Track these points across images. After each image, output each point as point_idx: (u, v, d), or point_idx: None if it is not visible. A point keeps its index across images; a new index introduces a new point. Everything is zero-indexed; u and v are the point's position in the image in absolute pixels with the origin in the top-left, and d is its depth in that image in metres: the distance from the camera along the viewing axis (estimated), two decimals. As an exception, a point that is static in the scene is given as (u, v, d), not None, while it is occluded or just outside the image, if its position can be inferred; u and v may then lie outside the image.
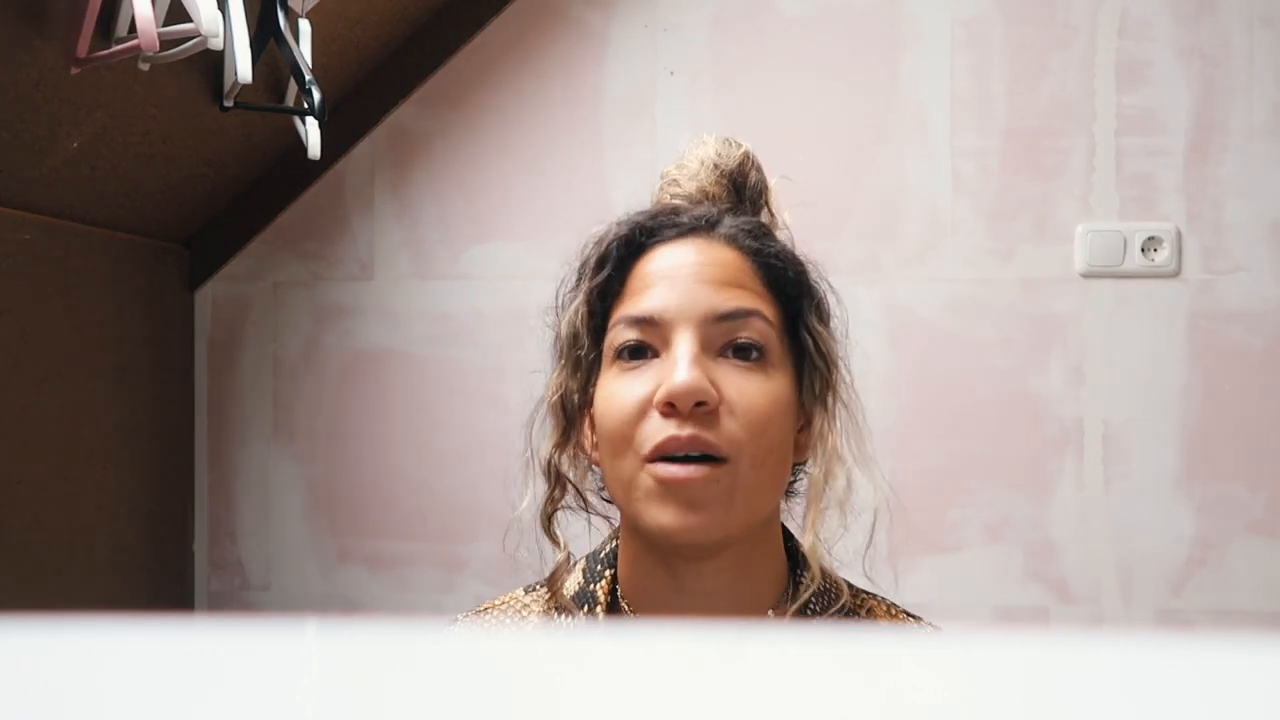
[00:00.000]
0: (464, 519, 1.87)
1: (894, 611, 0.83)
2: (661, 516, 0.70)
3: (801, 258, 0.82)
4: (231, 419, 1.92)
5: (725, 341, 0.74)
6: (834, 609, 0.78)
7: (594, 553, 0.83)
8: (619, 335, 0.75)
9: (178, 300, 1.89)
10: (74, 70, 1.30)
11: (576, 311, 0.78)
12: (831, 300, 0.82)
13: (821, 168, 1.83)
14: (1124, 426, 1.80)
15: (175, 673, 0.24)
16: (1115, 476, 1.80)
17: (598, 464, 0.79)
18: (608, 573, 0.80)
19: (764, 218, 0.84)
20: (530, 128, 1.88)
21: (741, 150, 0.84)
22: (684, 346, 0.72)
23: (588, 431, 0.79)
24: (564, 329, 0.79)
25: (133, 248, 1.75)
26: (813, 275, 0.81)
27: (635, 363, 0.74)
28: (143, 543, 1.79)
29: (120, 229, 1.71)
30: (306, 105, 1.54)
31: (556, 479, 0.78)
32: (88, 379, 1.64)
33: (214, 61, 1.56)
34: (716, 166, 0.83)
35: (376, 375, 1.90)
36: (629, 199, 0.87)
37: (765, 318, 0.75)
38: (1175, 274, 1.79)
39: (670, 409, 0.71)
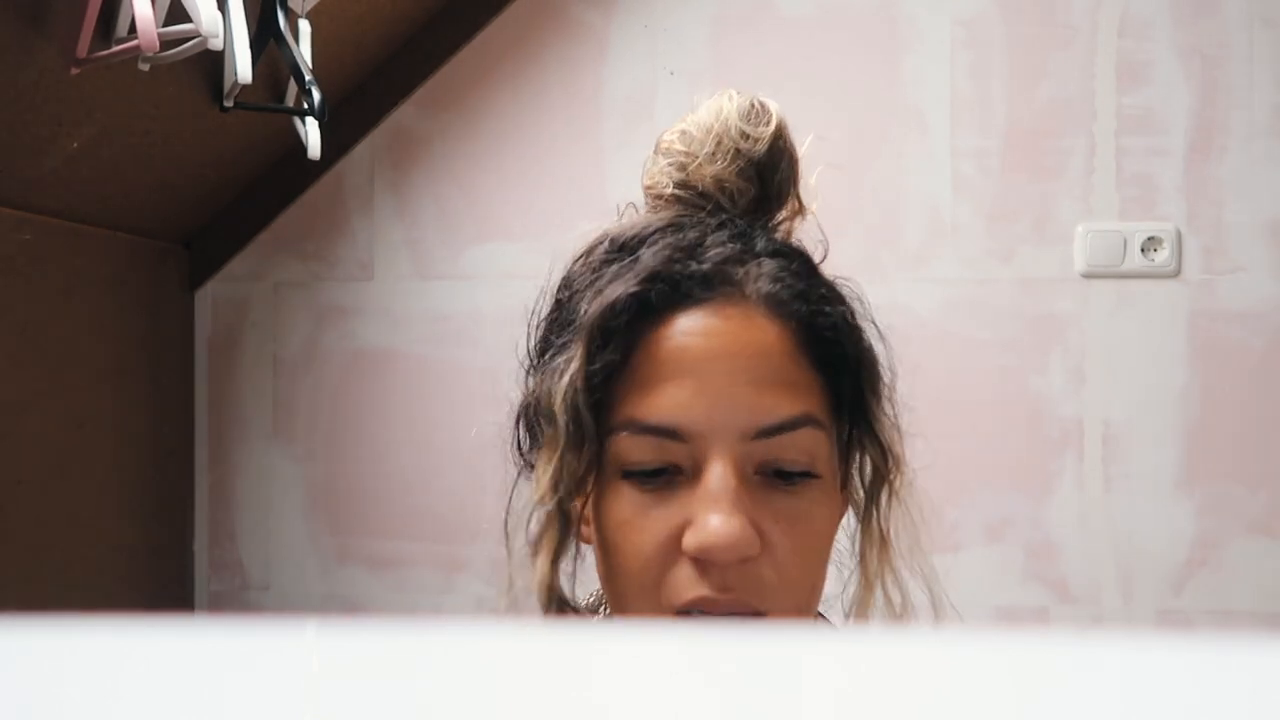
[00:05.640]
0: (464, 519, 1.87)
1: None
2: None
3: (849, 293, 0.67)
4: (231, 419, 1.92)
5: (765, 459, 0.59)
6: None
7: None
8: (629, 448, 0.59)
9: (178, 300, 1.89)
10: (74, 70, 1.30)
11: (573, 390, 0.60)
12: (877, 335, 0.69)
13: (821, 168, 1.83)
14: (1124, 426, 1.80)
15: (175, 673, 0.24)
16: (1115, 476, 1.80)
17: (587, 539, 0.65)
18: None
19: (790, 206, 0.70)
20: (530, 128, 1.88)
21: (772, 127, 0.66)
22: (718, 477, 0.57)
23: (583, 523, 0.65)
24: (559, 407, 0.60)
25: (133, 248, 1.75)
26: (862, 320, 0.67)
27: (653, 483, 0.59)
28: (143, 543, 1.78)
29: (120, 229, 1.70)
30: (306, 105, 1.54)
31: (559, 604, 0.63)
32: (88, 379, 1.64)
33: (214, 61, 1.56)
34: (739, 153, 0.66)
35: (376, 375, 1.90)
36: (629, 199, 0.77)
37: (816, 420, 0.60)
38: (1175, 274, 1.79)
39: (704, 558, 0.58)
